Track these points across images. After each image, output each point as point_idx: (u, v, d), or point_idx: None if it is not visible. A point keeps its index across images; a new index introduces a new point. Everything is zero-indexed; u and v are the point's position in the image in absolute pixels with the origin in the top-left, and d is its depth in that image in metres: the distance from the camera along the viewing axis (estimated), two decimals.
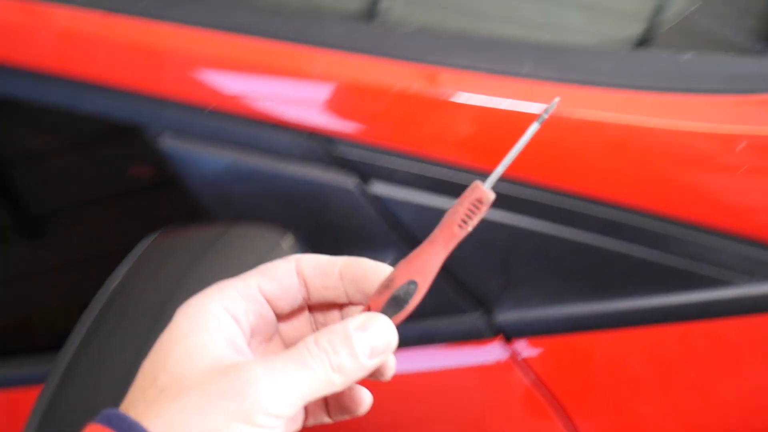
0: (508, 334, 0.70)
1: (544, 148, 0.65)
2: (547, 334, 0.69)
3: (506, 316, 0.70)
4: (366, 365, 0.42)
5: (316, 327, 0.50)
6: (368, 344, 0.42)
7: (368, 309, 0.45)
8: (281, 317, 0.48)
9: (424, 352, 0.72)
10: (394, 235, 0.67)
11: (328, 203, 0.67)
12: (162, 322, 0.59)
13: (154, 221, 0.86)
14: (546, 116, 0.41)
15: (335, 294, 0.47)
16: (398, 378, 0.73)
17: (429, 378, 0.73)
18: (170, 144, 0.68)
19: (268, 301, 0.46)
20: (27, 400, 0.61)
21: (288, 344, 0.49)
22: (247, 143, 0.67)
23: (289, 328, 0.49)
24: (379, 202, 0.67)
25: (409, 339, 0.72)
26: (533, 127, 0.42)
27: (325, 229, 0.69)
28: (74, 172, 0.91)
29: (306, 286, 0.47)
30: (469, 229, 0.44)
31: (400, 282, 0.44)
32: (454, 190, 0.66)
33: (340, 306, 0.49)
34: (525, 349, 0.70)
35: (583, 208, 0.64)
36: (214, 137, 0.68)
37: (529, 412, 0.70)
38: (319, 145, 0.66)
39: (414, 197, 0.67)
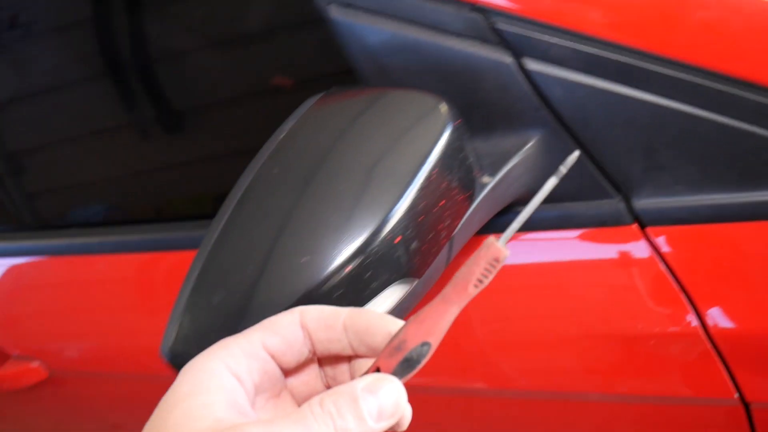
0: (645, 222, 0.71)
1: (698, 27, 0.66)
2: (685, 223, 0.70)
3: (644, 202, 0.71)
4: (373, 429, 0.40)
5: (326, 380, 0.48)
6: (376, 407, 0.40)
7: (377, 369, 0.43)
8: (288, 372, 0.47)
9: (558, 236, 0.74)
10: (543, 113, 0.70)
11: (483, 78, 0.70)
12: (315, 180, 0.63)
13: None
14: (564, 171, 0.39)
15: (340, 346, 0.45)
16: (532, 267, 0.75)
17: (561, 266, 0.75)
18: (337, 13, 0.73)
19: (272, 356, 0.45)
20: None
21: (298, 399, 0.48)
22: (411, 16, 0.71)
23: (298, 382, 0.48)
24: (532, 78, 0.69)
25: (545, 221, 0.74)
26: (551, 183, 0.40)
27: (476, 106, 0.71)
28: (216, 70, 0.96)
29: (311, 338, 0.45)
30: (480, 287, 0.41)
31: (414, 343, 0.42)
32: (608, 69, 0.67)
33: (348, 358, 0.47)
34: (660, 237, 0.70)
35: (736, 92, 0.65)
36: (378, 9, 0.72)
37: (659, 301, 0.72)
38: (480, 18, 0.69)
39: (567, 75, 0.68)
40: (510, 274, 0.75)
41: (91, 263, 1.07)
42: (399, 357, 0.42)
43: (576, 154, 0.39)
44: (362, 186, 0.62)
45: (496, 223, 0.75)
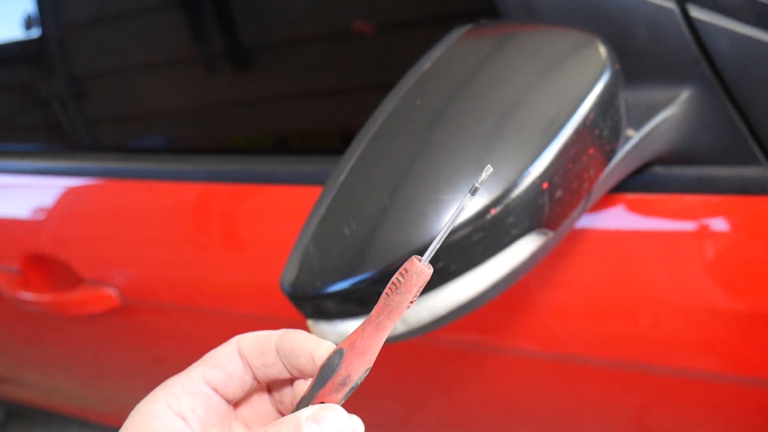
0: None
1: None
2: None
3: None
4: None
5: (276, 406, 0.47)
6: None
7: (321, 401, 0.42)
8: (236, 403, 0.46)
9: (693, 201, 0.69)
10: (701, 66, 0.65)
11: (639, 23, 0.65)
12: (461, 114, 0.59)
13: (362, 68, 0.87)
14: (479, 186, 0.36)
15: (277, 370, 0.44)
16: (662, 233, 0.71)
17: (693, 234, 0.70)
18: None
19: (215, 390, 0.44)
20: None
21: (252, 428, 0.46)
22: None
23: (249, 411, 0.47)
24: (695, 27, 0.64)
25: (680, 183, 0.69)
26: (466, 201, 0.37)
27: (627, 53, 0.67)
28: (291, 9, 0.92)
29: (249, 366, 0.44)
30: (407, 303, 0.39)
31: (358, 375, 0.41)
32: None
33: (290, 381, 0.46)
34: None
35: None
36: None
37: None
38: None
39: (735, 27, 0.63)
40: (636, 239, 0.71)
41: (152, 189, 1.05)
42: (344, 391, 0.41)
43: (490, 169, 0.36)
44: (512, 124, 0.58)
45: (630, 182, 0.70)
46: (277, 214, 0.94)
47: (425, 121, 0.60)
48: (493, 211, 0.56)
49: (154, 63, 1.10)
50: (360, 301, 0.58)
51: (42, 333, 1.35)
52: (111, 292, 1.10)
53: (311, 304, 0.60)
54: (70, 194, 1.13)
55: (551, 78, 0.59)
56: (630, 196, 0.72)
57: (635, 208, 0.72)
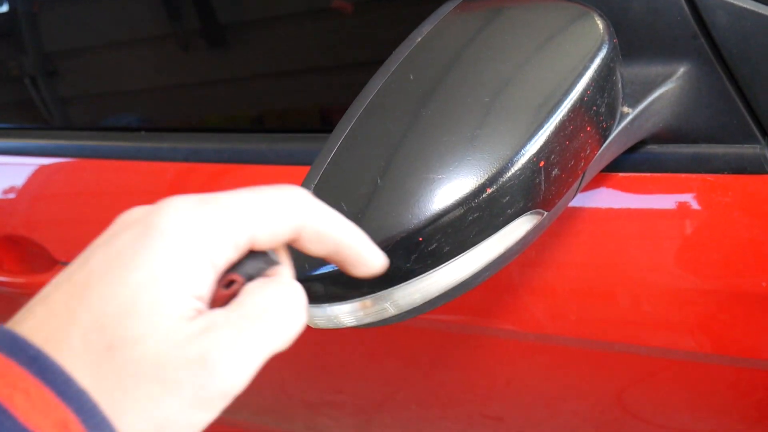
0: None
1: None
2: None
3: None
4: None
5: None
6: None
7: None
8: None
9: (688, 179, 0.68)
10: (699, 41, 0.63)
11: None
12: (455, 90, 0.57)
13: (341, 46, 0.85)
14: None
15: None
16: (655, 211, 0.69)
17: (688, 212, 0.69)
18: None
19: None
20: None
21: None
22: None
23: None
24: (694, 0, 0.62)
25: (676, 161, 0.68)
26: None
27: (623, 27, 0.65)
28: None
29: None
30: None
31: None
32: None
33: None
34: None
35: None
36: None
37: None
38: None
39: (735, 0, 0.61)
40: (626, 218, 0.70)
41: (127, 169, 1.03)
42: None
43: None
44: (508, 100, 0.56)
45: (624, 161, 0.69)
46: None
47: (417, 97, 0.57)
48: (489, 191, 0.54)
49: (128, 40, 1.07)
50: (349, 284, 0.56)
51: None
52: None
53: None
54: (42, 173, 1.10)
55: (547, 52, 0.57)
56: (623, 175, 0.70)
57: (628, 188, 0.71)
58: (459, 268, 0.57)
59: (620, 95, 0.60)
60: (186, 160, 0.95)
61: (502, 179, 0.54)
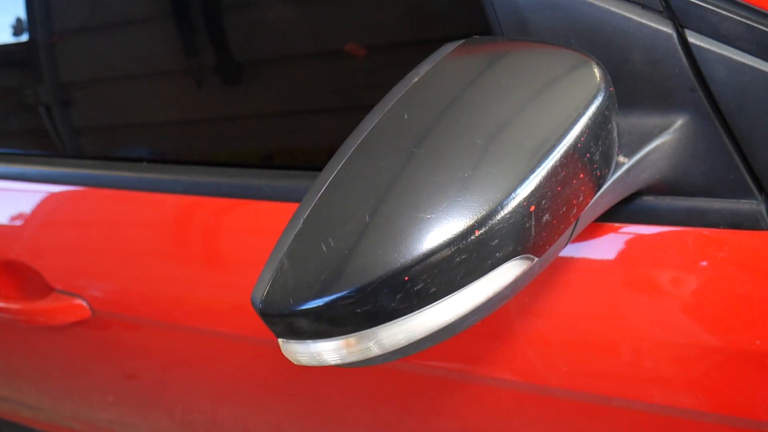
0: None
1: None
2: None
3: None
4: None
5: None
6: None
7: None
8: None
9: (682, 233, 0.67)
10: (696, 94, 0.63)
11: (635, 47, 0.64)
12: (449, 130, 0.57)
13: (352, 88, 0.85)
14: None
15: None
16: (648, 263, 0.68)
17: (680, 265, 0.68)
18: None
19: None
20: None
21: None
22: None
23: None
24: (693, 54, 0.62)
25: (674, 214, 0.67)
26: None
27: (621, 77, 0.65)
28: (284, 25, 0.90)
29: None
30: None
31: None
32: None
33: None
34: None
35: None
36: None
37: None
38: None
39: (735, 56, 0.61)
40: (620, 269, 0.69)
41: (132, 199, 1.03)
42: None
43: None
44: (501, 143, 0.56)
45: (618, 211, 0.68)
46: (259, 230, 0.91)
47: (411, 137, 0.57)
48: (477, 233, 0.53)
49: (141, 73, 1.08)
50: (334, 321, 0.56)
51: (11, 343, 1.32)
52: (82, 302, 1.07)
53: (283, 322, 0.57)
54: (47, 201, 1.11)
55: (543, 98, 0.57)
56: (618, 226, 0.70)
57: (623, 239, 0.70)
58: (445, 310, 0.57)
59: (616, 144, 0.60)
60: (185, 192, 0.95)
61: (491, 222, 0.54)
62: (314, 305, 0.56)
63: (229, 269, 0.93)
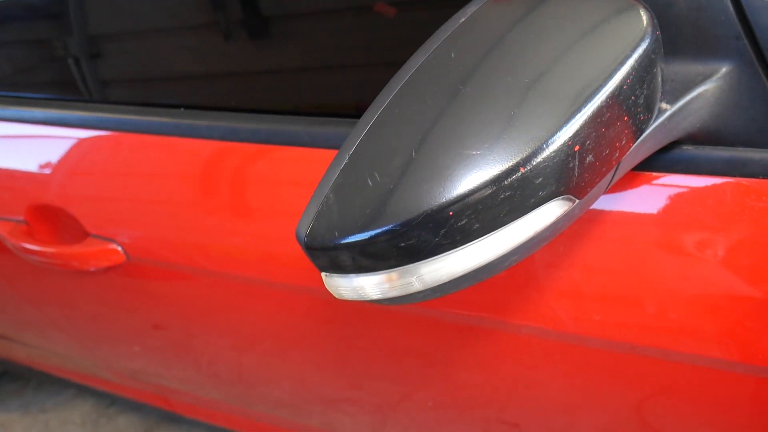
0: None
1: None
2: None
3: None
4: None
5: None
6: None
7: None
8: None
9: (721, 183, 0.67)
10: (742, 42, 0.63)
11: None
12: (495, 69, 0.57)
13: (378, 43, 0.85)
14: None
15: None
16: (679, 217, 0.69)
17: (716, 218, 0.68)
18: None
19: None
20: None
21: None
22: None
23: None
24: (740, 0, 0.62)
25: (714, 163, 0.67)
26: None
27: (665, 23, 0.65)
28: None
29: None
30: None
31: None
32: None
33: None
34: None
35: None
36: None
37: None
38: None
39: None
40: (656, 221, 0.69)
41: (164, 144, 1.04)
42: None
43: None
44: (547, 83, 0.56)
45: (656, 160, 0.69)
46: (290, 179, 0.92)
47: (458, 75, 0.58)
48: (522, 170, 0.54)
49: (171, 27, 1.08)
50: (377, 255, 0.57)
51: (43, 289, 1.34)
52: (115, 247, 1.09)
53: (327, 255, 0.58)
54: (80, 146, 1.12)
55: (590, 39, 0.57)
56: (656, 175, 0.70)
57: (660, 189, 0.70)
58: (487, 247, 0.58)
59: (659, 89, 0.60)
60: (223, 138, 0.96)
61: (536, 160, 0.54)
62: (359, 239, 0.57)
63: (259, 218, 0.94)
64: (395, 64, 0.63)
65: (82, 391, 1.93)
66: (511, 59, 0.57)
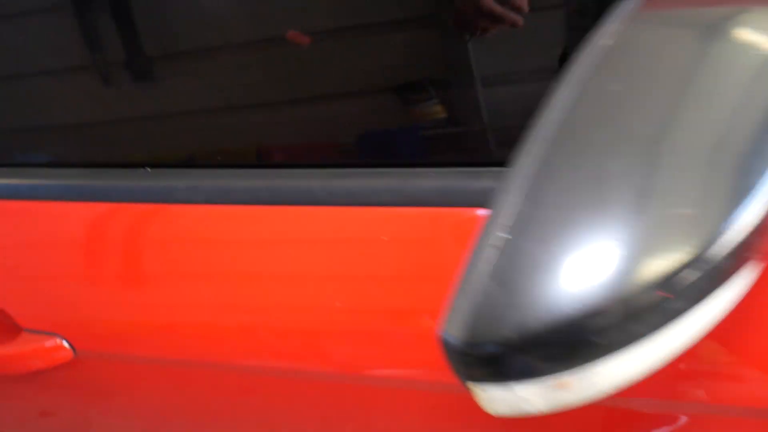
0: None
1: None
2: None
3: None
4: None
5: None
6: None
7: None
8: None
9: None
10: None
11: None
12: (690, 103, 0.46)
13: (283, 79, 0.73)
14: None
15: None
16: None
17: None
18: None
19: None
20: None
21: None
22: None
23: None
24: None
25: None
26: None
27: None
28: (200, 15, 0.78)
29: None
30: None
31: None
32: None
33: None
34: None
35: None
36: None
37: None
38: None
39: None
40: None
41: (59, 210, 0.87)
42: None
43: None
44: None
45: None
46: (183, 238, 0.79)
47: (637, 114, 0.45)
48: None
49: (44, 71, 0.90)
50: (569, 347, 0.42)
51: None
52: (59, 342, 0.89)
53: (491, 358, 0.43)
54: None
55: None
56: None
57: None
58: (686, 328, 0.45)
59: None
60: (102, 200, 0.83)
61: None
62: (542, 328, 0.42)
63: (152, 287, 0.81)
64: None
65: None
66: (709, 92, 0.45)
